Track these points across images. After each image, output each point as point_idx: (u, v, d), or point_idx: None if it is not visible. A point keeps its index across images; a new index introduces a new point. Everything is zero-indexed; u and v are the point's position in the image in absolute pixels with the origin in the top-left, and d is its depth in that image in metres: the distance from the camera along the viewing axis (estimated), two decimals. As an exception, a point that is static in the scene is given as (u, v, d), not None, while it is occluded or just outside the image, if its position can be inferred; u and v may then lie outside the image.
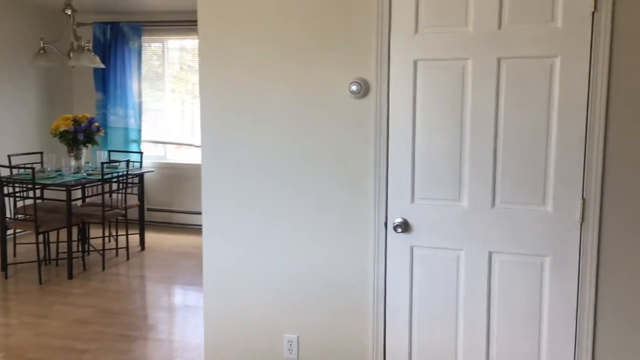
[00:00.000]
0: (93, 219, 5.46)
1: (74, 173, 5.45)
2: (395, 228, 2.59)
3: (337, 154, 2.68)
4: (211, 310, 2.95)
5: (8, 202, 5.19)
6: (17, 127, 6.55)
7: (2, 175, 5.12)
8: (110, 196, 5.76)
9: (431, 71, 2.51)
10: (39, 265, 5.02)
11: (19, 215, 5.38)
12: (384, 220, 2.63)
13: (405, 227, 2.59)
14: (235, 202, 2.86)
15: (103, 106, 7.25)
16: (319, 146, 2.70)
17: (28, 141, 6.56)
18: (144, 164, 6.80)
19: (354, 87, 2.59)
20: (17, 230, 5.49)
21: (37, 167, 5.71)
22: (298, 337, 2.82)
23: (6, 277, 5.12)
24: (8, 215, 5.17)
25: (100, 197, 5.47)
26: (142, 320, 4.28)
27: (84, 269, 5.39)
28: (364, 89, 2.59)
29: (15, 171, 5.63)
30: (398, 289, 2.64)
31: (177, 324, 4.31)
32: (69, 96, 7.32)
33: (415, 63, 2.53)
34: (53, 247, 5.59)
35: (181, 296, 4.94)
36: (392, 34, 2.54)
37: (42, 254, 5.46)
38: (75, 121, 5.50)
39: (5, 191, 5.17)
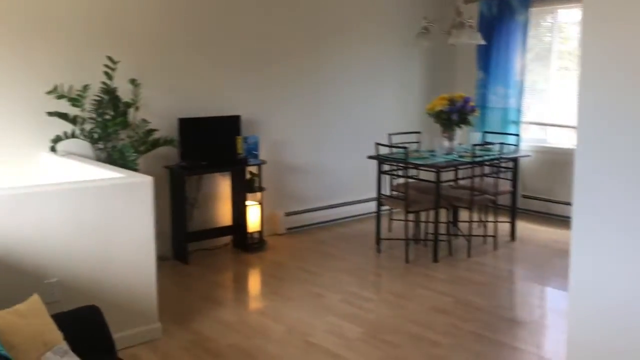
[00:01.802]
0: (461, 203, 5.26)
1: (446, 154, 5.32)
2: None
3: None
4: (577, 339, 2.35)
5: (385, 180, 5.39)
6: (399, 106, 6.82)
7: (382, 153, 5.32)
8: (482, 180, 5.46)
9: None
10: (407, 244, 5.09)
11: (394, 193, 5.55)
12: None
13: None
14: (622, 204, 2.17)
15: (483, 85, 6.97)
16: None
17: (408, 120, 6.75)
18: (521, 147, 6.27)
19: None
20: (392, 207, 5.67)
21: (414, 146, 5.80)
22: None
23: (378, 251, 5.35)
24: (385, 192, 5.37)
25: (472, 180, 5.24)
26: (503, 321, 3.87)
27: (450, 253, 5.25)
28: None
29: (394, 150, 5.82)
30: None
31: (541, 334, 3.77)
32: (451, 75, 7.28)
33: None
34: (423, 226, 5.61)
35: (551, 301, 4.36)
36: None
37: (412, 233, 5.54)
38: (451, 101, 5.35)
39: (384, 168, 5.38)
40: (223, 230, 5.46)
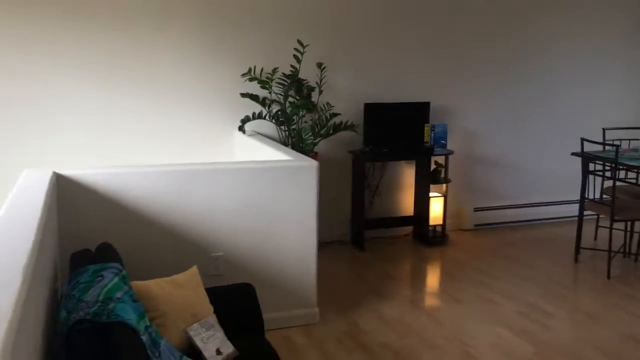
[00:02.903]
0: (687, 216, 4.36)
1: (671, 156, 4.46)
2: None
3: None
4: None
5: (593, 181, 4.71)
6: (622, 97, 5.90)
7: (592, 150, 4.64)
8: None
9: None
10: (610, 257, 4.38)
11: (605, 196, 4.85)
12: None
13: None
14: None
15: None
16: None
17: (634, 113, 5.82)
18: None
19: None
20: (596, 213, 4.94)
21: (634, 144, 4.98)
22: None
23: (576, 261, 4.71)
24: (592, 195, 4.69)
25: None
26: None
27: (667, 274, 4.42)
28: None
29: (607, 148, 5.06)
30: None
31: None
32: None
33: None
34: (637, 237, 4.80)
35: None
36: None
37: (620, 244, 4.77)
38: (684, 92, 4.45)
39: (593, 168, 4.70)
40: (404, 220, 5.29)
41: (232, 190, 3.24)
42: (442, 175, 5.11)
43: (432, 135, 5.08)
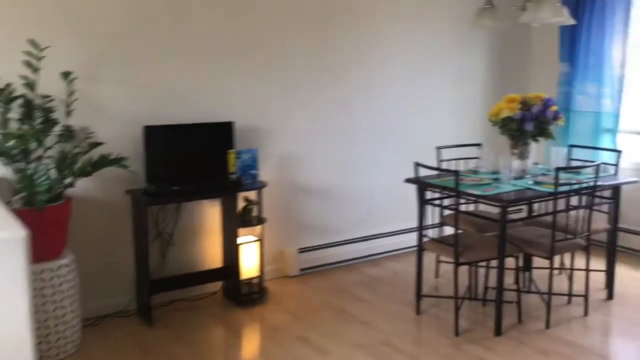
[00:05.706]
0: (536, 250, 3.67)
1: (516, 178, 3.78)
2: None
3: None
4: None
5: (433, 210, 3.89)
6: (454, 110, 5.27)
7: (427, 175, 3.81)
8: (568, 216, 3.83)
9: None
10: (457, 307, 3.57)
11: (446, 226, 4.10)
12: None
13: None
14: None
15: (568, 82, 5.33)
16: None
17: (466, 129, 5.21)
18: (621, 168, 4.56)
19: None
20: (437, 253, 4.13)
21: (472, 164, 4.29)
22: None
23: (418, 312, 3.86)
24: (433, 221, 3.88)
25: (554, 217, 3.65)
26: None
27: (519, 320, 3.70)
28: None
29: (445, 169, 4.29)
30: None
31: None
32: (524, 69, 5.67)
33: None
34: (483, 273, 4.09)
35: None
36: None
37: (466, 285, 4.04)
38: (524, 104, 3.81)
39: (430, 195, 3.88)
40: (210, 275, 4.12)
41: None
42: (254, 213, 4.04)
43: (239, 164, 3.98)
